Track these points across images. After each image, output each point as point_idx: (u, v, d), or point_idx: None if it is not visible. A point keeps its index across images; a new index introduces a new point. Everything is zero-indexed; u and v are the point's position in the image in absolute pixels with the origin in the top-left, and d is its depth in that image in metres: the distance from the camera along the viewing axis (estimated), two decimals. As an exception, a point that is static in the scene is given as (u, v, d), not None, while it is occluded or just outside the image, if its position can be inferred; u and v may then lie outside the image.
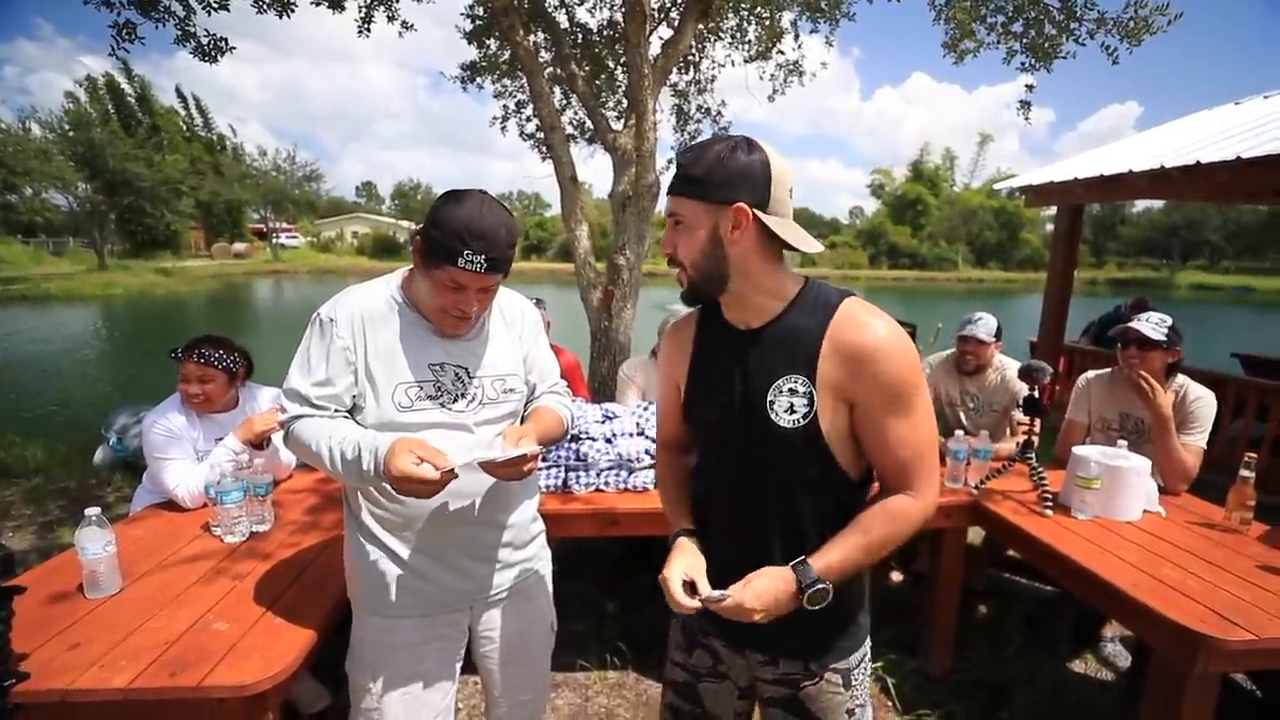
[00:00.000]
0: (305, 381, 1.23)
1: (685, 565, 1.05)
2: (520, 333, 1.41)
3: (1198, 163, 4.20)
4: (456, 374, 1.28)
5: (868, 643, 1.17)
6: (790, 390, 0.99)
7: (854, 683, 1.13)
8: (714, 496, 1.14)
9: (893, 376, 0.96)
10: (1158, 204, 49.99)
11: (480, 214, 1.14)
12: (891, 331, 0.97)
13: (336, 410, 1.25)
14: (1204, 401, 2.22)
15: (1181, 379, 2.28)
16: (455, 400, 1.28)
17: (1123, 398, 2.38)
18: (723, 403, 1.06)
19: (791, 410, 0.99)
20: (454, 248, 1.12)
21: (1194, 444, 2.20)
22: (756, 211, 0.95)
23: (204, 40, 3.44)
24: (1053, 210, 6.08)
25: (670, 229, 1.03)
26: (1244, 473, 1.92)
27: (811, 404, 0.98)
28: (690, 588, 1.03)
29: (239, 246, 37.83)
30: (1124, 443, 2.12)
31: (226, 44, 3.51)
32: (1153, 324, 2.24)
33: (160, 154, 30.79)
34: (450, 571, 1.33)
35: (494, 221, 1.15)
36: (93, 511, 1.48)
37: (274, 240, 39.43)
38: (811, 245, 1.00)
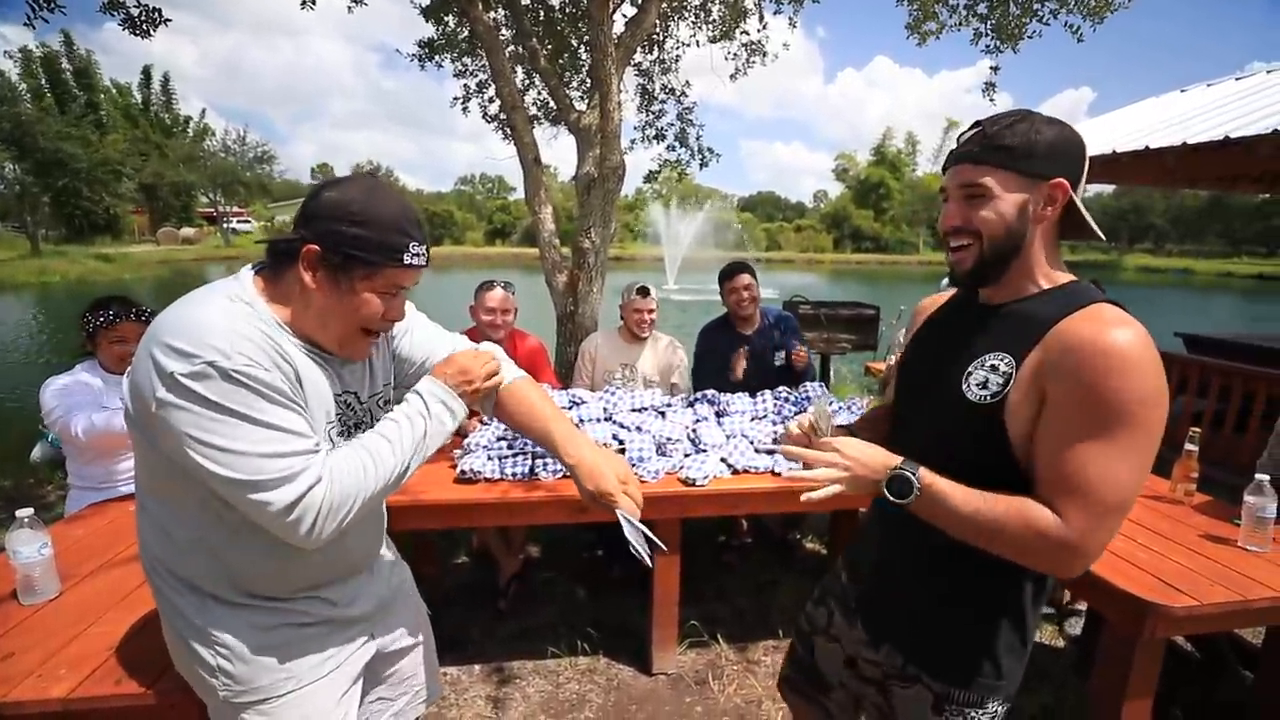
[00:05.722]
0: (287, 442, 0.92)
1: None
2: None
3: (1146, 148, 4.35)
4: (347, 402, 1.09)
5: (1000, 704, 1.02)
6: (991, 366, 0.91)
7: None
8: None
9: (1102, 387, 0.80)
10: (1108, 189, 51.99)
11: (401, 199, 1.00)
12: (1136, 343, 0.81)
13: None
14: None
15: None
16: (355, 430, 1.10)
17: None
18: (928, 369, 1.03)
19: (985, 386, 0.91)
20: (397, 243, 0.96)
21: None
22: (1073, 191, 0.89)
23: (134, 10, 3.18)
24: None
25: (958, 201, 0.93)
26: (1188, 446, 2.00)
27: (1006, 384, 0.89)
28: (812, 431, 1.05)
29: (187, 231, 36.07)
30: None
31: (160, 15, 3.24)
32: None
33: (98, 133, 29.01)
34: (364, 596, 1.19)
35: (411, 205, 1.01)
36: (25, 513, 1.39)
37: (225, 225, 37.75)
38: (1100, 233, 0.94)
